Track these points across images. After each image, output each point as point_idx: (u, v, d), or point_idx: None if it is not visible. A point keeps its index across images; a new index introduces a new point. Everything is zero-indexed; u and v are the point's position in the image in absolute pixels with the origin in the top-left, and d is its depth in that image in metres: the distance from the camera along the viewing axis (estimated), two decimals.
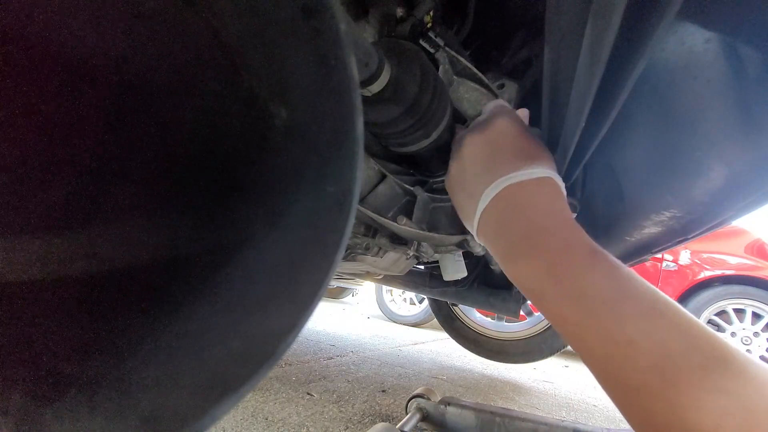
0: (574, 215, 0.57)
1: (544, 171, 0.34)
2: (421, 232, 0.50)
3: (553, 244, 0.30)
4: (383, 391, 1.39)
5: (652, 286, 0.26)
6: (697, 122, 0.35)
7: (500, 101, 0.44)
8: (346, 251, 0.63)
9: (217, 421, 0.14)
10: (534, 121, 0.47)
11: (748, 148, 0.35)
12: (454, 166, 0.41)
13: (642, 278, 0.27)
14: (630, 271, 0.27)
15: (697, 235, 0.49)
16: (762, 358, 2.12)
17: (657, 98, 0.36)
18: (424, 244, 0.57)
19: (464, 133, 0.41)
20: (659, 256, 2.52)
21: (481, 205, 0.35)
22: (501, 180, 0.34)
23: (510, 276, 0.33)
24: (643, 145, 0.42)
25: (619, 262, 0.28)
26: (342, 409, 1.14)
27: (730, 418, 0.19)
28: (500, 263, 0.34)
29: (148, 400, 0.16)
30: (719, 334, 0.23)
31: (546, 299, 0.29)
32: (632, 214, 0.50)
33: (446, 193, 0.52)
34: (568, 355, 3.04)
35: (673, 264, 2.53)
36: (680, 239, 0.52)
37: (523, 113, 0.42)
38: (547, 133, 0.43)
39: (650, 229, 0.51)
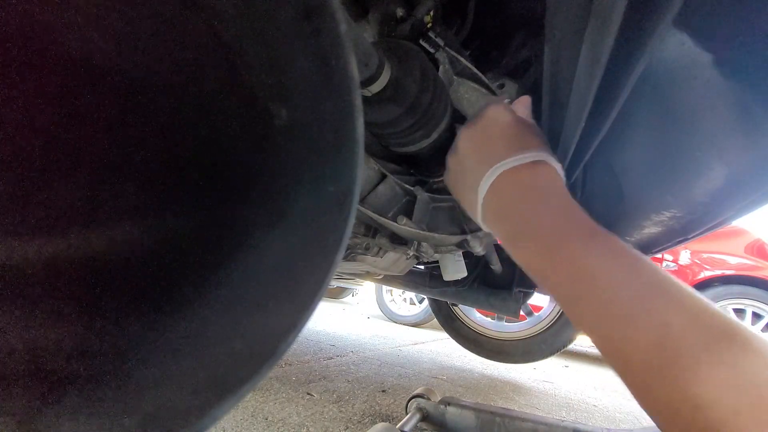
0: None
1: (537, 154, 0.34)
2: (421, 232, 0.50)
3: (550, 226, 0.30)
4: (383, 391, 1.39)
5: (655, 266, 0.26)
6: (697, 122, 0.35)
7: (494, 98, 0.44)
8: (346, 251, 0.63)
9: (217, 420, 0.14)
10: (534, 120, 0.46)
11: (748, 147, 0.35)
12: (450, 161, 0.42)
13: (645, 257, 0.27)
14: (632, 250, 0.27)
15: (697, 235, 0.49)
16: None
17: (657, 98, 0.36)
18: (424, 244, 0.57)
19: (460, 131, 0.42)
20: (659, 256, 2.52)
21: (481, 194, 0.36)
22: (495, 168, 0.34)
23: (514, 258, 0.34)
24: (643, 145, 0.42)
25: (620, 241, 0.28)
26: (342, 409, 1.14)
27: (731, 391, 0.19)
28: (505, 247, 0.35)
29: (149, 399, 0.16)
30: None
31: (548, 280, 0.30)
32: (632, 214, 0.50)
33: (446, 193, 0.52)
34: (568, 355, 3.04)
35: (673, 264, 2.53)
36: (680, 239, 0.52)
37: (525, 101, 0.42)
38: (547, 133, 0.43)
39: (650, 229, 0.51)
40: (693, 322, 0.22)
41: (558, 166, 0.35)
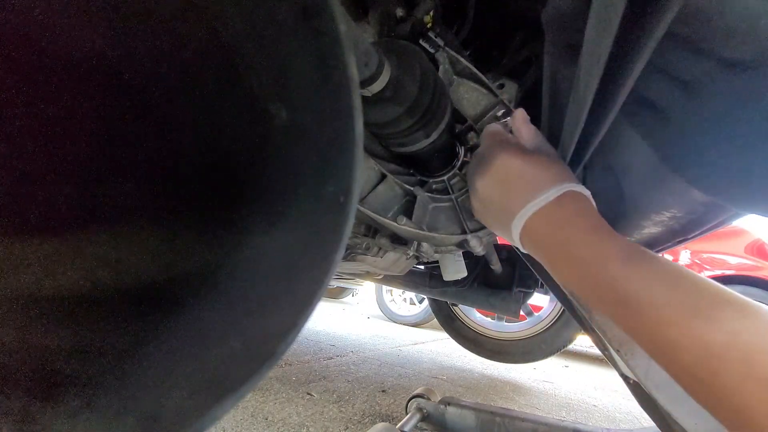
0: None
1: (560, 188, 0.35)
2: (421, 232, 0.50)
3: (585, 253, 0.32)
4: (383, 391, 1.39)
5: (692, 277, 0.27)
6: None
7: (492, 126, 0.44)
8: (346, 251, 0.63)
9: (217, 420, 0.14)
10: (534, 121, 0.46)
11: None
12: (475, 204, 0.44)
13: (681, 269, 0.28)
14: (668, 265, 0.29)
15: (697, 235, 0.49)
16: None
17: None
18: (424, 244, 0.57)
19: (473, 171, 0.43)
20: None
21: (515, 235, 0.38)
22: (522, 213, 0.36)
23: (557, 281, 0.37)
24: (643, 146, 0.42)
25: (655, 258, 0.29)
26: (342, 409, 1.14)
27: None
28: (547, 270, 0.38)
29: (149, 399, 0.16)
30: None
31: (590, 301, 0.32)
32: (632, 214, 0.50)
33: (446, 193, 0.52)
34: (568, 355, 3.04)
35: None
36: (680, 239, 0.52)
37: (521, 114, 0.42)
38: (547, 133, 0.43)
39: (650, 229, 0.51)
40: (732, 340, 0.24)
41: (582, 189, 0.36)
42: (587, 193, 0.36)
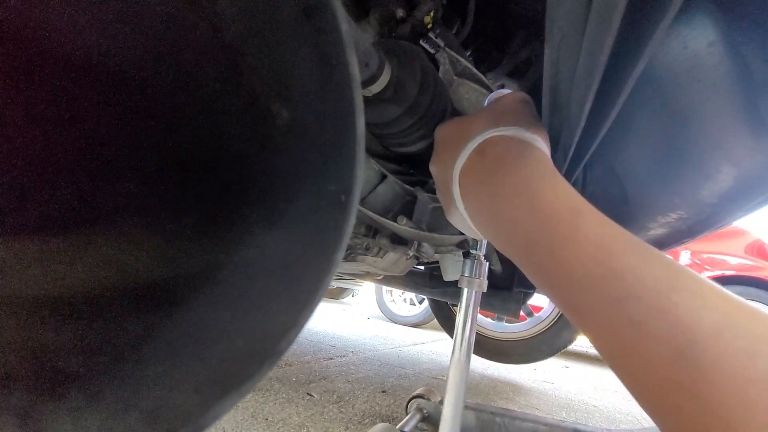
0: None
1: (517, 130, 0.30)
2: (421, 232, 0.50)
3: (529, 214, 0.26)
4: (383, 391, 1.39)
5: (647, 249, 0.23)
6: (705, 125, 0.35)
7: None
8: (346, 251, 0.63)
9: (218, 418, 0.14)
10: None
11: (757, 148, 0.35)
12: (432, 161, 0.37)
13: (634, 242, 0.24)
14: (619, 234, 0.24)
15: (702, 234, 0.50)
16: None
17: (662, 102, 0.36)
18: (424, 244, 0.57)
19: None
20: None
21: (455, 176, 0.31)
22: (468, 147, 0.30)
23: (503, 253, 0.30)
24: (648, 147, 0.42)
25: (608, 223, 0.25)
26: (342, 409, 1.14)
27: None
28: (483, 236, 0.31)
29: (150, 397, 0.16)
30: None
31: (525, 269, 0.27)
32: (637, 215, 0.50)
33: None
34: (569, 355, 3.04)
35: None
36: (686, 240, 0.52)
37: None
38: (547, 133, 0.44)
39: (656, 231, 0.51)
40: (725, 325, 0.18)
41: (542, 146, 0.31)
42: (546, 149, 0.30)
